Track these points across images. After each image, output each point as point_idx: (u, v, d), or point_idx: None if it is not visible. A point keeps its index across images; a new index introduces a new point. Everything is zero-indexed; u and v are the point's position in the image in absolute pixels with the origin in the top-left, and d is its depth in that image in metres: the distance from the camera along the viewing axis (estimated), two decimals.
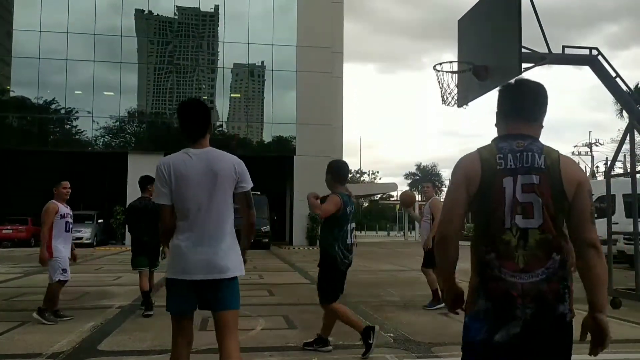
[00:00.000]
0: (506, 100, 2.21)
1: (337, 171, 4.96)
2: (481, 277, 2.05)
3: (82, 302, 7.91)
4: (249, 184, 3.11)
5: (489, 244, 2.04)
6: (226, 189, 3.02)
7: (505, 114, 2.20)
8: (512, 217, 2.02)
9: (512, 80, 2.29)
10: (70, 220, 6.50)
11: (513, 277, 1.99)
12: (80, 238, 24.14)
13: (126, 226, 7.78)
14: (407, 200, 8.69)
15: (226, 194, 3.03)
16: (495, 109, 2.25)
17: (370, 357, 4.70)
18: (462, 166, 2.13)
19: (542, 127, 2.19)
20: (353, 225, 4.92)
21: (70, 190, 6.56)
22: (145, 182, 6.84)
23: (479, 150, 2.13)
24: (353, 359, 4.64)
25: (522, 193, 2.02)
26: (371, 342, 4.66)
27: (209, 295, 2.97)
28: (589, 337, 2.02)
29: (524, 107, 2.16)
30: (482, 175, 2.05)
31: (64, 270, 6.30)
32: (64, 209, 6.45)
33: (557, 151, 2.11)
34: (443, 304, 6.44)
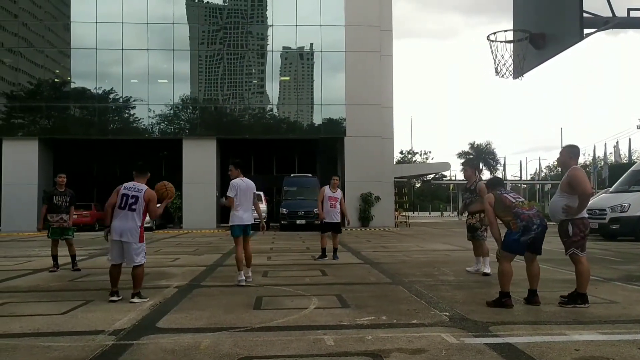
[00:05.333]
0: (494, 183, 6.62)
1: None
2: (515, 215, 5.94)
3: (142, 282, 8.14)
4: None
5: (507, 211, 6.09)
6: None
7: (493, 186, 6.49)
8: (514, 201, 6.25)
9: (491, 177, 8.11)
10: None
11: (527, 212, 6.04)
12: None
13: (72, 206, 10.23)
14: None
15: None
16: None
17: (426, 336, 4.62)
18: (489, 196, 6.28)
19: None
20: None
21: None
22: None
23: (492, 192, 6.29)
24: (406, 338, 4.56)
25: (512, 198, 6.25)
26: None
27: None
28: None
29: (499, 184, 6.63)
30: (495, 197, 6.21)
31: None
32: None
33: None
34: None
